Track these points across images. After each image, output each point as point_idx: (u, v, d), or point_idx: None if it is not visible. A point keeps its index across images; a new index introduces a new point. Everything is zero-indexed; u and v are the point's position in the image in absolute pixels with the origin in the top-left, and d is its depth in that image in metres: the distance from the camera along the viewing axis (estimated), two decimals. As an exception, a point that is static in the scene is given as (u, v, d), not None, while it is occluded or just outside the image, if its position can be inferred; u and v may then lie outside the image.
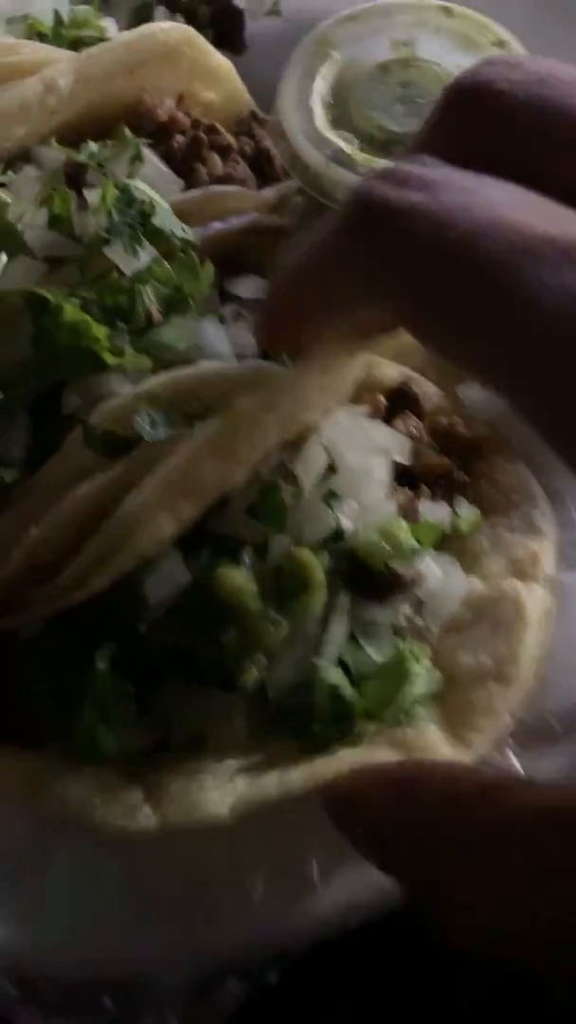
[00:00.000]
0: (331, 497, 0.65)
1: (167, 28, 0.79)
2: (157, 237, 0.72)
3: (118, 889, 0.61)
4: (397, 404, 0.74)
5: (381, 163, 0.76)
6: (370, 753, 0.62)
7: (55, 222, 0.73)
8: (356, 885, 0.60)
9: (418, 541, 0.67)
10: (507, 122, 0.44)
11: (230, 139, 0.86)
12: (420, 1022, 0.68)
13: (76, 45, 0.88)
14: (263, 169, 0.87)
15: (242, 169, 0.86)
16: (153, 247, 0.71)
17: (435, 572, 0.68)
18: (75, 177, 0.77)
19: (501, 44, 0.80)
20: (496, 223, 0.40)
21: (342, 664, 0.65)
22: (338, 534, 0.65)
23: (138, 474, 0.64)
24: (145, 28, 0.78)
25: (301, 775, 0.60)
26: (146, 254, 0.70)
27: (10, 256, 0.71)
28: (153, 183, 0.77)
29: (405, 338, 0.49)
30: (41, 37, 0.88)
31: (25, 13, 0.88)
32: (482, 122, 0.45)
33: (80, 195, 0.74)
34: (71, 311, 0.68)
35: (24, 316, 0.70)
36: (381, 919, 0.61)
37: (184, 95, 0.87)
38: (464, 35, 0.81)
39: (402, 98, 0.79)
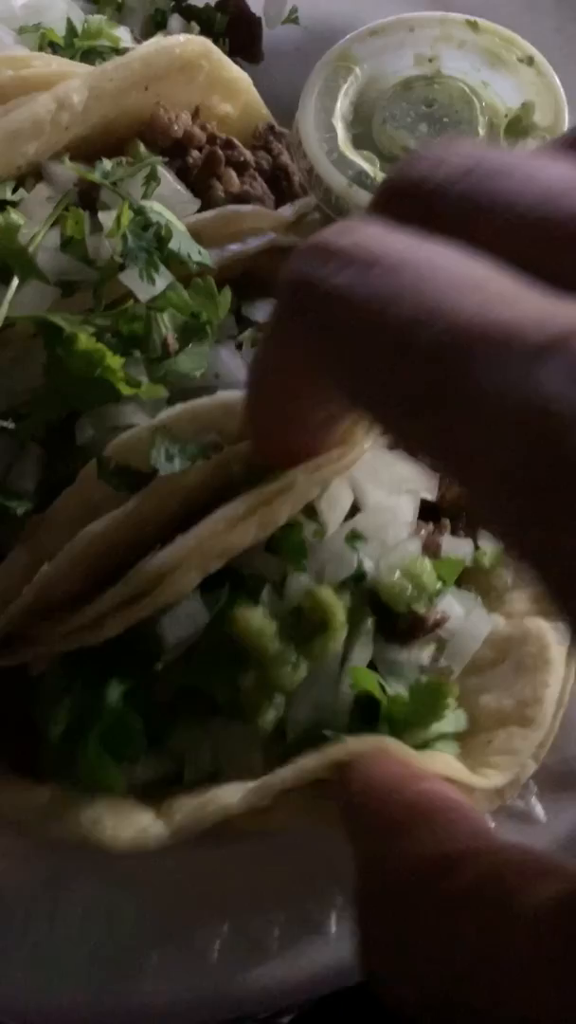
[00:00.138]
0: (354, 538, 0.64)
1: (184, 42, 0.77)
2: (173, 261, 0.70)
3: (130, 938, 0.60)
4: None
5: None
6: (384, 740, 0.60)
7: (68, 244, 0.71)
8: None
9: (441, 579, 0.66)
10: (437, 223, 0.42)
11: (247, 154, 0.84)
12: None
13: (89, 55, 0.86)
14: (280, 185, 0.85)
15: (259, 186, 0.83)
16: (169, 272, 0.69)
17: (457, 611, 0.66)
18: (88, 195, 0.75)
19: (529, 60, 0.78)
20: (429, 311, 0.37)
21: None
22: (360, 575, 0.63)
23: (154, 509, 0.63)
24: (162, 42, 0.76)
25: (315, 760, 0.58)
26: (162, 280, 0.69)
27: (22, 280, 0.69)
28: (169, 203, 0.75)
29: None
30: (53, 47, 0.86)
31: (38, 23, 0.85)
32: (411, 225, 0.43)
33: (94, 215, 0.72)
34: (85, 340, 0.66)
35: (36, 343, 0.68)
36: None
37: (200, 108, 0.84)
38: (490, 51, 0.79)
39: (426, 117, 0.76)
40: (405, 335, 0.37)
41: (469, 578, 0.70)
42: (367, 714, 0.64)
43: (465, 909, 0.42)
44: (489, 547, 0.70)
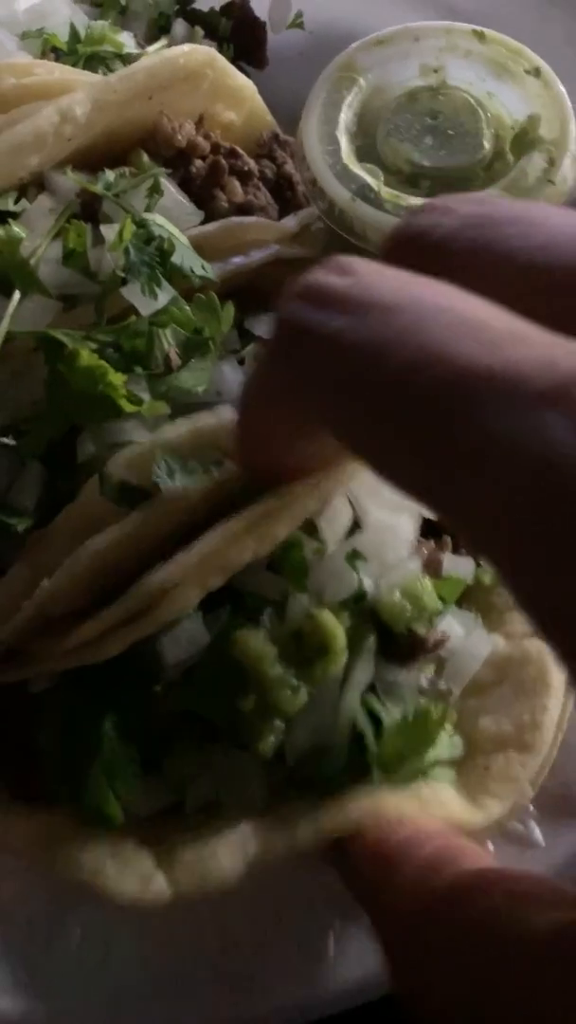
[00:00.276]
0: (355, 557, 0.63)
1: (189, 52, 0.76)
2: (176, 275, 0.70)
3: (131, 962, 0.60)
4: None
5: (408, 200, 0.74)
6: (379, 801, 0.60)
7: (70, 257, 0.70)
8: (369, 959, 0.59)
9: (441, 599, 0.66)
10: (445, 272, 0.42)
11: (251, 163, 0.83)
12: None
13: (92, 61, 0.85)
14: (284, 194, 0.85)
15: (263, 195, 0.83)
16: (171, 286, 0.69)
17: (457, 631, 0.66)
18: (91, 206, 0.75)
19: (536, 72, 0.77)
20: (427, 356, 0.36)
21: (368, 714, 0.63)
22: (361, 594, 0.63)
23: (156, 526, 0.62)
24: (167, 53, 0.75)
25: (309, 830, 0.58)
26: (164, 295, 0.68)
27: (24, 293, 0.69)
28: (172, 215, 0.74)
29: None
30: (56, 52, 0.86)
31: (40, 27, 0.85)
32: (420, 267, 0.43)
33: (96, 227, 0.71)
34: (87, 356, 0.65)
35: (37, 357, 0.68)
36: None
37: (204, 116, 0.84)
38: (497, 62, 0.78)
39: (431, 129, 0.76)
40: (402, 379, 0.37)
41: (469, 596, 0.70)
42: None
43: (470, 941, 0.43)
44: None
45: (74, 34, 0.85)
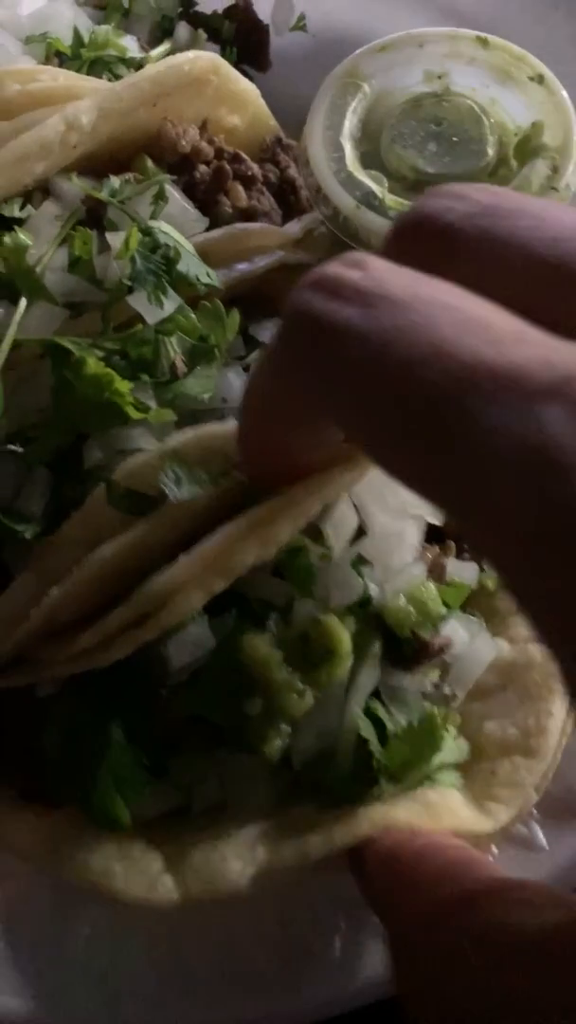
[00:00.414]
0: (360, 562, 0.64)
1: (193, 58, 0.76)
2: (181, 283, 0.70)
3: (137, 962, 0.60)
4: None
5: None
6: (390, 812, 0.61)
7: (76, 265, 0.71)
8: (373, 962, 0.60)
9: (445, 604, 0.66)
10: (452, 257, 0.43)
11: (254, 168, 0.83)
12: None
13: (96, 66, 0.85)
14: (288, 199, 0.85)
15: (266, 200, 0.83)
16: (177, 294, 0.69)
17: (462, 636, 0.67)
18: (96, 212, 0.75)
19: (539, 79, 0.77)
20: (434, 350, 0.37)
21: (372, 719, 0.64)
22: (366, 599, 0.64)
23: (163, 534, 0.63)
24: (172, 60, 0.75)
25: (320, 842, 0.59)
26: (171, 303, 0.68)
27: (30, 301, 0.69)
28: (177, 221, 0.75)
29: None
30: (60, 56, 0.86)
31: (44, 32, 0.85)
32: (427, 258, 0.43)
33: (101, 234, 0.72)
34: (94, 364, 0.66)
35: (43, 364, 0.68)
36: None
37: (208, 120, 0.84)
38: (500, 68, 0.78)
39: (435, 136, 0.76)
40: (408, 373, 0.37)
41: (473, 600, 0.70)
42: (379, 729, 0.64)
43: (475, 946, 0.44)
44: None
45: (78, 38, 0.86)
